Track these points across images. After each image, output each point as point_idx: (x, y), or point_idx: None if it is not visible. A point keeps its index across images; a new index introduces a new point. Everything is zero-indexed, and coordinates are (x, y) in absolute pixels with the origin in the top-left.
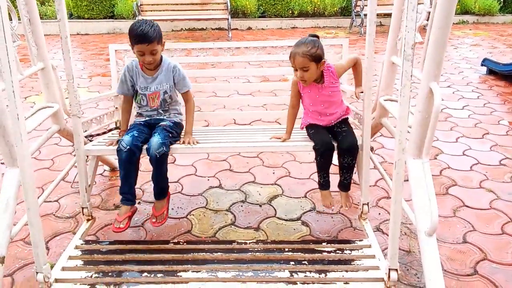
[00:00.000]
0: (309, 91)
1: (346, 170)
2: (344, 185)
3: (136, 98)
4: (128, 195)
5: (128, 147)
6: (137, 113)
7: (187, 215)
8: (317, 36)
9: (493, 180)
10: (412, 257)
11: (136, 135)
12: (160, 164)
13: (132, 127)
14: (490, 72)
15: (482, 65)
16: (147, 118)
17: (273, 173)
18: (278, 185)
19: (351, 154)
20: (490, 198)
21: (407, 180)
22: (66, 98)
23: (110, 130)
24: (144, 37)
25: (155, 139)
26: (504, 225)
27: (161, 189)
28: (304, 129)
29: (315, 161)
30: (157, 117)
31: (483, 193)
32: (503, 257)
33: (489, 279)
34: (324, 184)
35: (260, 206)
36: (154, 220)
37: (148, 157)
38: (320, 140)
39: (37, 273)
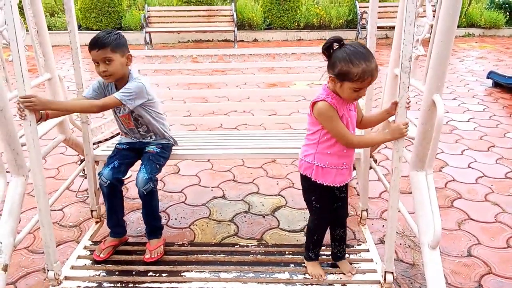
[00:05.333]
0: (342, 114)
1: (339, 242)
2: (339, 257)
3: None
4: (117, 228)
5: (108, 181)
6: (121, 130)
7: (190, 225)
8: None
9: (498, 193)
10: (416, 270)
11: (117, 166)
12: (148, 200)
13: (113, 153)
14: (496, 85)
15: (488, 77)
16: (131, 140)
17: (277, 184)
18: (281, 196)
19: (343, 226)
20: (495, 212)
21: (411, 193)
22: None
23: (118, 134)
24: (95, 43)
25: (141, 175)
26: (510, 239)
27: (154, 228)
28: (306, 174)
29: (309, 236)
30: (142, 140)
31: (488, 206)
32: (508, 271)
33: None
34: (311, 257)
35: (264, 217)
36: (148, 256)
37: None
38: (321, 222)
39: (48, 270)
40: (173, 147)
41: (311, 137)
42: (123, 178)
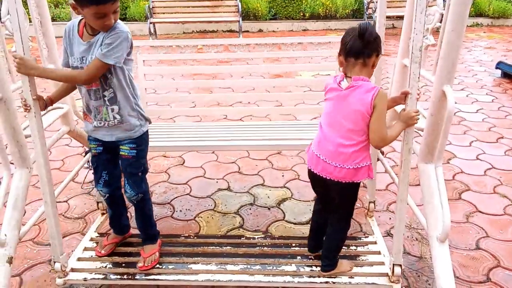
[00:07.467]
0: None
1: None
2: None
3: None
4: (120, 227)
5: (107, 194)
6: (83, 110)
7: (195, 217)
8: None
9: (507, 185)
10: (423, 263)
11: (108, 178)
12: (141, 207)
13: (94, 163)
14: (505, 75)
15: (496, 68)
16: (98, 135)
17: (282, 176)
18: (287, 188)
19: None
20: (504, 204)
21: (419, 185)
22: (77, 99)
23: None
24: None
25: (128, 192)
26: None
27: (148, 235)
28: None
29: (341, 243)
30: (106, 125)
31: (497, 199)
32: None
33: (502, 287)
34: (337, 261)
35: (269, 209)
36: (141, 264)
37: None
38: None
39: (54, 262)
40: (175, 138)
41: (365, 137)
42: (121, 182)
